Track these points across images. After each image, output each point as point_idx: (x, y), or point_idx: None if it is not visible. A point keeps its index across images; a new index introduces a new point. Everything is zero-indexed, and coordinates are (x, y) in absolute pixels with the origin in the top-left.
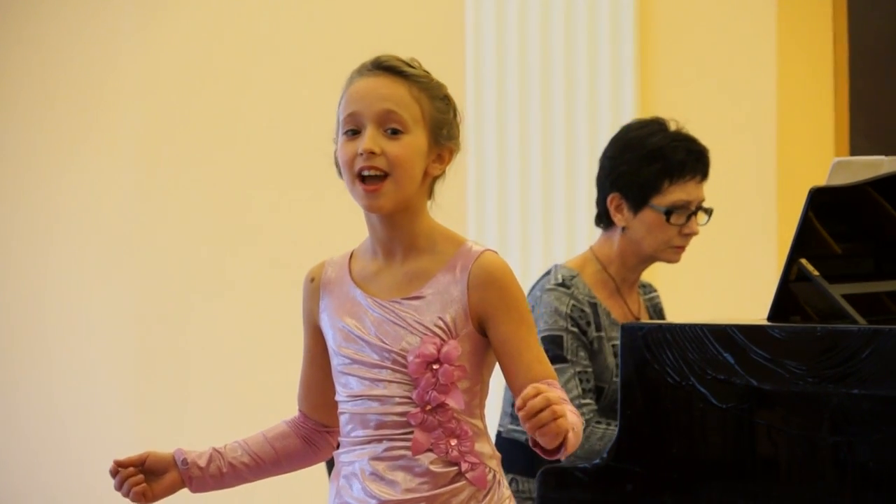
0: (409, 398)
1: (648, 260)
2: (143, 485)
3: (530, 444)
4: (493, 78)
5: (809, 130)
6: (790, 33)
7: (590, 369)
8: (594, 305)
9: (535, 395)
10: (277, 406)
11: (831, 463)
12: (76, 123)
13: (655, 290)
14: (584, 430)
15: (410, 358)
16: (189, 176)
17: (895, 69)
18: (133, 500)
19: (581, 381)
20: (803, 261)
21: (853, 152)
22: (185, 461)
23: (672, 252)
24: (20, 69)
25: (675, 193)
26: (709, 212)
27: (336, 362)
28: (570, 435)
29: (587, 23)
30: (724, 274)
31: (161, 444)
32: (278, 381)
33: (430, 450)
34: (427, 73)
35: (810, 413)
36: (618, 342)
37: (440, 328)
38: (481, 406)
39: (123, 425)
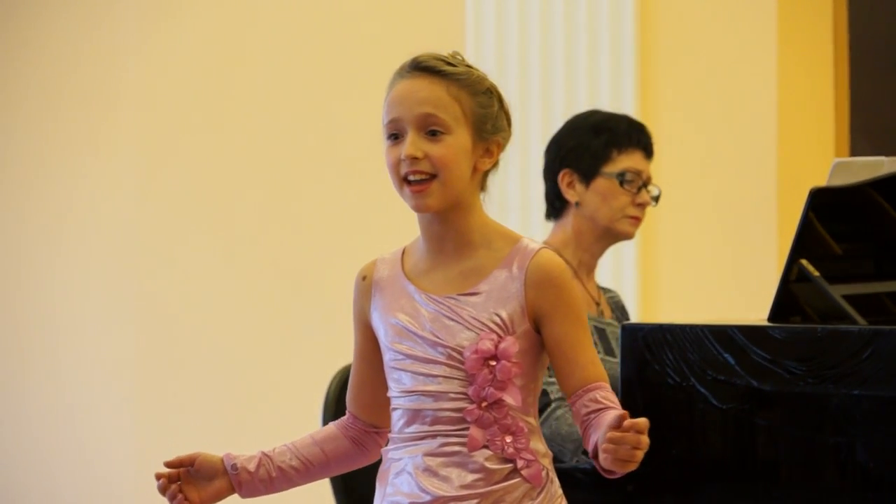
0: (465, 394)
1: (605, 235)
2: (181, 496)
3: (597, 464)
4: (493, 78)
5: (809, 130)
6: (790, 33)
7: None
8: None
9: (637, 429)
10: (279, 407)
11: (832, 464)
12: (80, 127)
13: (613, 290)
14: (556, 411)
15: (467, 353)
16: (192, 179)
17: (895, 69)
18: None
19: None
20: (804, 261)
21: (853, 153)
22: (234, 466)
23: (627, 223)
24: (24, 74)
25: (624, 161)
26: (656, 197)
27: (388, 358)
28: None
29: (587, 22)
30: (724, 274)
31: (164, 443)
32: (280, 383)
33: (485, 446)
34: (469, 67)
35: (811, 414)
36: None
37: (497, 324)
38: (535, 404)
39: (128, 426)
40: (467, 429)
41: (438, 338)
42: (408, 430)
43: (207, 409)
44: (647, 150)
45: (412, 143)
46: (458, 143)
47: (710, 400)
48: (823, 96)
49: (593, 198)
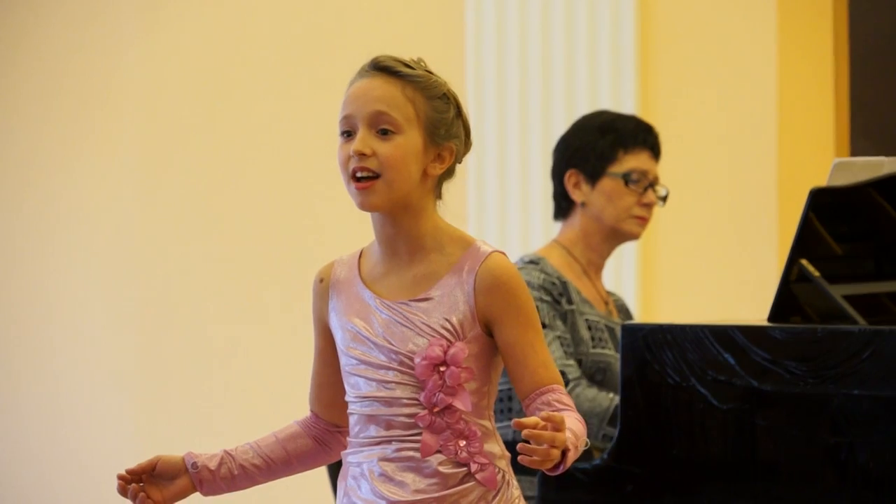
0: (417, 400)
1: (611, 235)
2: (143, 494)
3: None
4: (493, 78)
5: (810, 131)
6: (790, 33)
7: (568, 335)
8: (564, 283)
9: (553, 424)
10: (278, 406)
11: (832, 464)
12: (79, 126)
13: (616, 294)
14: (574, 390)
15: (417, 360)
16: (191, 179)
17: (895, 69)
18: None
19: (562, 344)
20: (804, 261)
21: (853, 153)
22: (195, 465)
23: (634, 223)
24: (22, 72)
25: (630, 161)
26: (664, 197)
27: (344, 362)
28: (570, 454)
29: (587, 23)
30: (724, 274)
31: (163, 444)
32: (279, 382)
33: (438, 451)
34: (428, 72)
35: (811, 414)
36: (590, 317)
37: (447, 330)
38: (490, 406)
39: (126, 426)
40: (420, 434)
41: (391, 344)
42: (363, 434)
43: (206, 409)
44: (655, 150)
45: (361, 140)
46: (407, 144)
47: (711, 400)
48: (823, 96)
49: (599, 198)
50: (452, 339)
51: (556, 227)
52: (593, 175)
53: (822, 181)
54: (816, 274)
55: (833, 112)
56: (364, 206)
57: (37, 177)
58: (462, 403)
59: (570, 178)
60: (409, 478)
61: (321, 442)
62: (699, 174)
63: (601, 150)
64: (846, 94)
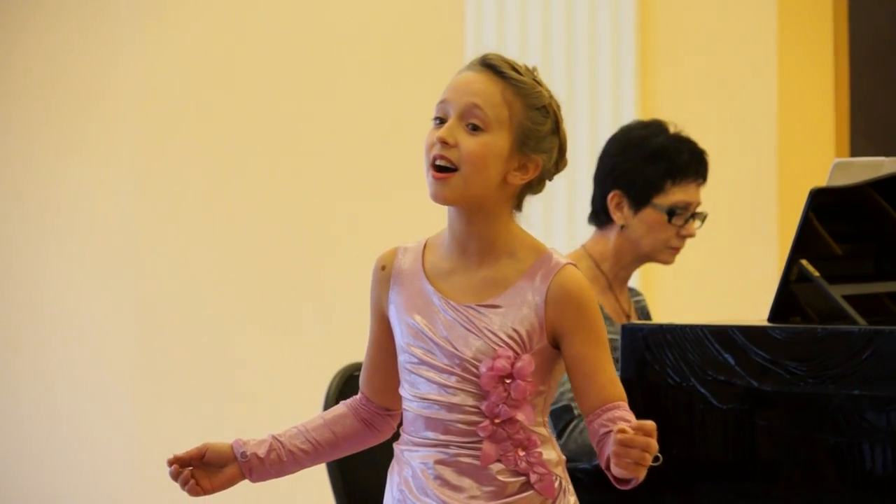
0: (478, 408)
1: (644, 259)
2: (193, 482)
3: (611, 475)
4: None
5: (809, 131)
6: (790, 33)
7: None
8: None
9: (644, 431)
10: (280, 407)
11: (832, 464)
12: (76, 125)
13: (641, 294)
14: (579, 425)
15: (483, 370)
16: (189, 178)
17: (895, 69)
18: (190, 494)
19: None
20: (804, 261)
21: (853, 153)
22: (244, 454)
23: (668, 253)
24: (20, 70)
25: (677, 194)
26: (703, 217)
27: (403, 358)
28: (644, 471)
29: (587, 23)
30: (724, 274)
31: (163, 443)
32: (280, 382)
33: (498, 460)
34: (536, 82)
35: (811, 414)
36: (612, 336)
37: (514, 340)
38: (545, 413)
39: (125, 426)
40: (480, 442)
41: (454, 348)
42: (420, 434)
43: (206, 408)
44: (703, 178)
45: (449, 128)
46: (492, 144)
47: (711, 400)
48: (823, 96)
49: (640, 226)
50: (519, 350)
51: (555, 230)
52: (638, 202)
53: (822, 181)
54: (816, 274)
55: (833, 112)
56: (436, 198)
57: (35, 175)
58: (525, 417)
59: (614, 199)
60: (466, 483)
61: (369, 424)
62: None
63: (649, 178)
64: (846, 94)
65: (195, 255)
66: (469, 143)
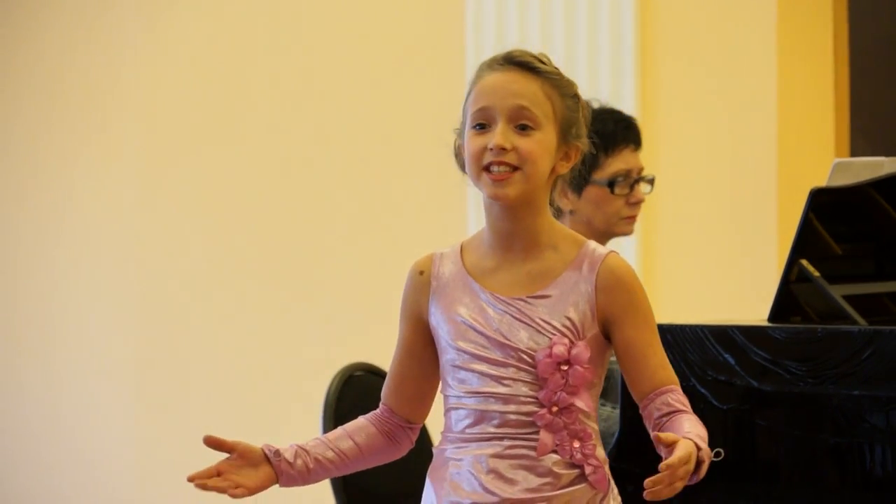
0: (534, 398)
1: (602, 237)
2: (238, 488)
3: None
4: None
5: (809, 130)
6: (790, 33)
7: None
8: None
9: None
10: (280, 408)
11: (832, 464)
12: (81, 127)
13: None
14: None
15: (540, 357)
16: (193, 180)
17: (895, 69)
18: (234, 497)
19: None
20: (804, 261)
21: (853, 153)
22: (276, 453)
23: (624, 224)
24: (25, 73)
25: (613, 164)
26: (651, 181)
27: (450, 356)
28: (704, 465)
29: (587, 22)
30: (724, 274)
31: (164, 445)
32: (281, 383)
33: (554, 451)
34: (557, 69)
35: (811, 414)
36: None
37: (568, 328)
38: (596, 409)
39: (128, 427)
40: (536, 432)
41: (507, 339)
42: (472, 430)
43: (208, 410)
44: (637, 143)
45: (502, 134)
46: (545, 141)
47: (711, 400)
48: (823, 96)
49: (587, 206)
50: (573, 338)
51: None
52: (578, 184)
53: (822, 181)
54: (816, 274)
55: (833, 112)
56: (499, 197)
57: (38, 178)
58: (583, 403)
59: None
60: (520, 475)
61: (391, 437)
62: (699, 174)
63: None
64: (846, 95)
65: (197, 256)
66: (525, 143)
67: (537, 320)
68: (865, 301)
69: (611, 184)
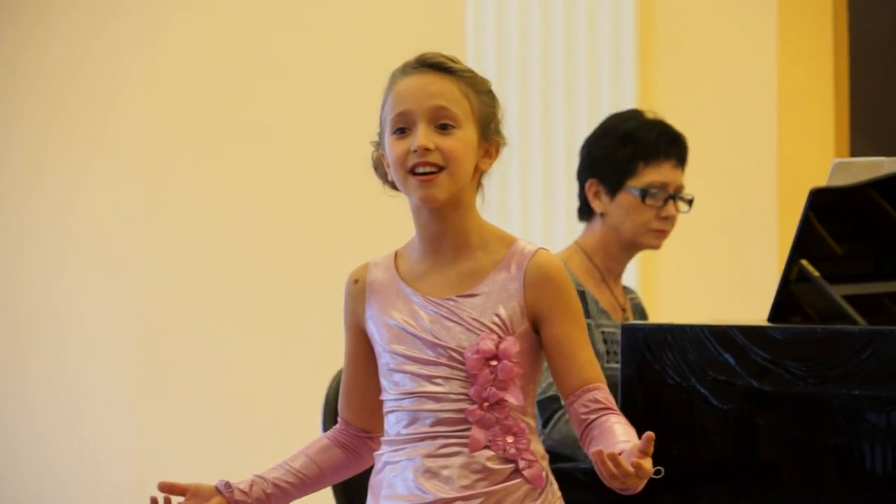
0: (466, 395)
1: (630, 247)
2: None
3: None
4: (494, 77)
5: (809, 130)
6: (790, 34)
7: None
8: (582, 293)
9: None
10: (279, 408)
11: (832, 464)
12: (82, 128)
13: (635, 292)
14: (564, 415)
15: (468, 354)
16: (193, 182)
17: (895, 69)
18: None
19: None
20: (804, 262)
21: (853, 153)
22: (227, 485)
23: (652, 236)
24: (27, 76)
25: (650, 175)
26: (689, 201)
27: (386, 360)
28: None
29: (587, 23)
30: (724, 274)
31: (164, 446)
32: (280, 384)
33: (487, 447)
34: (470, 69)
35: (811, 414)
36: (607, 329)
37: (497, 325)
38: (532, 405)
39: (128, 428)
40: (468, 429)
41: (438, 339)
42: (406, 431)
43: (207, 410)
44: (679, 159)
45: (424, 135)
46: (466, 138)
47: (711, 400)
48: (823, 96)
49: (617, 211)
50: (502, 334)
51: (555, 230)
52: (612, 188)
53: (822, 181)
54: (816, 274)
55: (833, 112)
56: (427, 199)
57: (39, 178)
58: (514, 398)
59: (591, 188)
60: (455, 473)
61: (351, 450)
62: (699, 174)
63: (620, 162)
64: (846, 94)
65: (196, 257)
66: (447, 142)
67: (468, 319)
68: (865, 301)
69: (643, 193)
